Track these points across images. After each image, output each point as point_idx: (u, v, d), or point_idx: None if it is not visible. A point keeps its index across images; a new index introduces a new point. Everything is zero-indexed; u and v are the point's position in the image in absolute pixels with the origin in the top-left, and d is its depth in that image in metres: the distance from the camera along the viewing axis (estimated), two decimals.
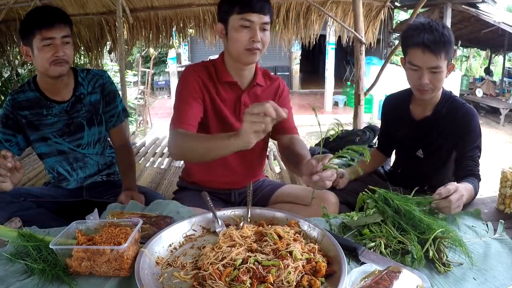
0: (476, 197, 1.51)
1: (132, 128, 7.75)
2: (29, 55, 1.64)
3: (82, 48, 4.50)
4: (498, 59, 13.61)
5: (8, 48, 4.66)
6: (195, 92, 1.54)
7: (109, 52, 4.91)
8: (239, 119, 1.61)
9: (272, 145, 3.68)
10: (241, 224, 1.16)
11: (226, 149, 1.21)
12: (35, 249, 1.07)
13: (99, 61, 4.68)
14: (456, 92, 2.02)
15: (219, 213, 1.23)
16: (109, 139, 1.95)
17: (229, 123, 1.60)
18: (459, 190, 1.22)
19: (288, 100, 1.78)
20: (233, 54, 1.54)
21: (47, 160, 1.82)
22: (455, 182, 1.28)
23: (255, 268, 0.92)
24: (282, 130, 1.66)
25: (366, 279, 0.91)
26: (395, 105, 1.86)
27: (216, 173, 1.70)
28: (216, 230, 1.17)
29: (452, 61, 1.58)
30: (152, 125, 8.98)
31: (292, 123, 1.72)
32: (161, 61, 13.15)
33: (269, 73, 1.76)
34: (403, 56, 1.66)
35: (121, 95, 1.97)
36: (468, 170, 1.54)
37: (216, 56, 1.65)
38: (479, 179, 1.53)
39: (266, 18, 1.48)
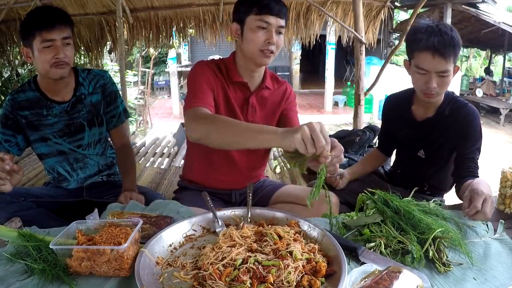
0: None
1: (132, 128, 7.75)
2: (29, 57, 1.63)
3: (82, 48, 4.51)
4: (498, 59, 13.60)
5: (8, 48, 4.66)
6: (210, 82, 1.54)
7: (109, 52, 4.91)
8: (246, 119, 1.63)
9: None
10: (241, 224, 1.16)
11: (266, 143, 1.12)
12: (35, 249, 1.07)
13: (99, 61, 4.68)
14: (456, 92, 2.02)
15: (219, 213, 1.23)
16: (109, 139, 1.95)
17: None
18: (487, 198, 1.18)
19: (294, 103, 1.80)
20: (247, 55, 1.56)
21: (47, 160, 1.82)
22: (474, 184, 1.27)
23: (255, 268, 0.92)
24: None
25: (366, 279, 0.91)
26: (396, 105, 1.85)
27: (219, 172, 1.71)
28: (216, 230, 1.17)
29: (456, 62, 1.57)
30: (152, 125, 8.98)
31: (296, 124, 1.74)
32: (161, 61, 13.14)
33: (277, 76, 1.78)
34: (406, 59, 1.63)
35: (121, 95, 1.97)
36: (469, 171, 1.53)
37: (217, 56, 1.65)
38: None
39: (282, 22, 1.52)
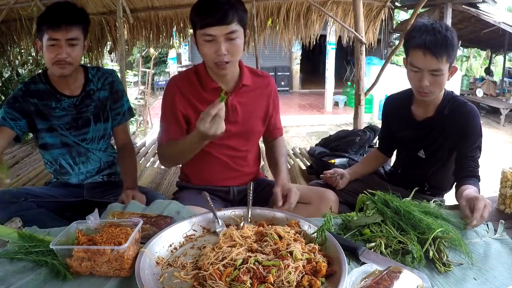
0: None
1: (132, 128, 7.74)
2: (41, 49, 1.66)
3: None
4: (499, 59, 13.59)
5: (9, 48, 4.67)
6: (176, 112, 1.60)
7: (110, 52, 4.91)
8: (228, 121, 1.62)
9: None
10: (242, 224, 1.16)
11: (196, 143, 1.40)
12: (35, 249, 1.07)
13: (100, 61, 4.68)
14: (457, 92, 2.02)
15: (219, 213, 1.23)
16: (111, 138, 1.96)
17: None
18: (487, 205, 1.22)
19: (277, 99, 1.80)
20: (207, 65, 1.57)
21: (52, 151, 1.82)
22: (471, 191, 1.32)
23: (255, 268, 0.92)
24: (269, 131, 1.78)
25: (367, 279, 0.91)
26: (396, 106, 1.85)
27: (214, 171, 1.71)
28: (217, 230, 1.17)
29: (454, 62, 1.57)
30: (153, 125, 8.97)
31: (278, 124, 1.81)
32: (161, 61, 13.15)
33: (257, 71, 1.75)
34: (405, 57, 1.65)
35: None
36: (469, 171, 1.53)
37: None
38: (479, 180, 1.53)
39: (231, 27, 1.41)
